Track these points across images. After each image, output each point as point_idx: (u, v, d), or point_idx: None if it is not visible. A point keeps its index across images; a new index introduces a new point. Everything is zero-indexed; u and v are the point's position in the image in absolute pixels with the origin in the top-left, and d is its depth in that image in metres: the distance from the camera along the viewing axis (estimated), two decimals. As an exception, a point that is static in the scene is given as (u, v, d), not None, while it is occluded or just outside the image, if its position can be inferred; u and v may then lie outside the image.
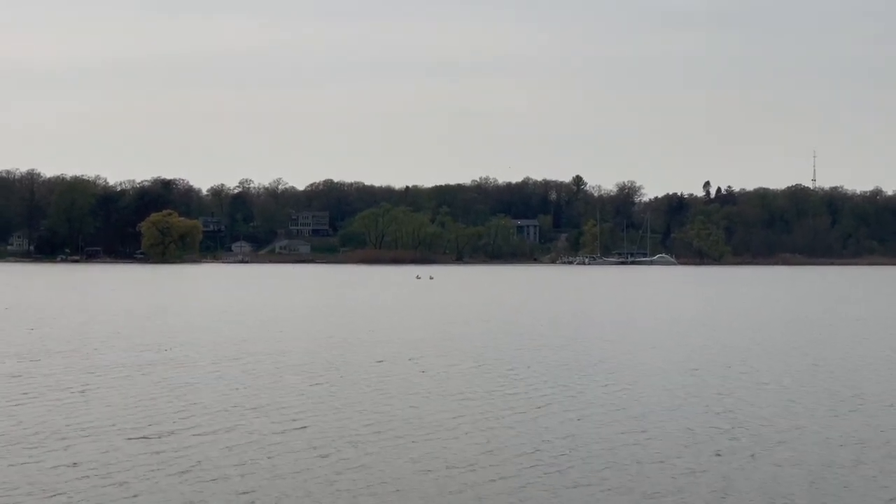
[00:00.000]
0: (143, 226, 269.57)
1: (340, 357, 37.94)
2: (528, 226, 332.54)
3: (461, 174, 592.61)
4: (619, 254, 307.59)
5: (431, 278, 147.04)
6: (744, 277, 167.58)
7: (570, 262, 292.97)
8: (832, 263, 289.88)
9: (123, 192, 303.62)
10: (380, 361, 36.48)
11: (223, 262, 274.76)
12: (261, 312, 65.78)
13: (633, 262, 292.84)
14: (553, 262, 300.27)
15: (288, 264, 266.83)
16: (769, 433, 22.79)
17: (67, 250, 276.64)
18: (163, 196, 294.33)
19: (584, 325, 56.16)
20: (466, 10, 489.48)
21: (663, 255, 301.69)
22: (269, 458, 19.87)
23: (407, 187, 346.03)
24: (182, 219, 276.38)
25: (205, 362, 35.78)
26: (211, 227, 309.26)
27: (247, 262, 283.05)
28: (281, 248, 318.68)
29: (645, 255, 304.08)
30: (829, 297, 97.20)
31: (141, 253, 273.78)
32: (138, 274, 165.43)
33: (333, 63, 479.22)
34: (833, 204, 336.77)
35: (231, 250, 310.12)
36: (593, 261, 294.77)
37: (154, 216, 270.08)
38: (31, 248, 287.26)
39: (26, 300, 79.97)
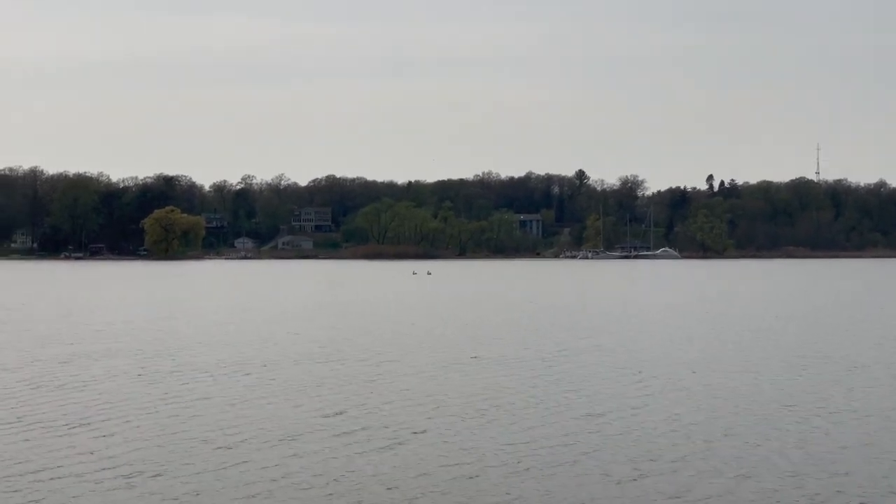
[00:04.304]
0: (147, 223, 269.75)
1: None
2: (530, 220, 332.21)
3: (464, 169, 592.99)
4: (623, 248, 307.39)
5: (429, 273, 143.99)
6: (751, 272, 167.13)
7: (574, 257, 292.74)
8: (836, 256, 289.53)
9: (126, 188, 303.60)
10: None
11: (226, 259, 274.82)
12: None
13: (636, 256, 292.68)
14: (556, 256, 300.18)
15: (290, 260, 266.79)
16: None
17: (71, 247, 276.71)
18: (165, 193, 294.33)
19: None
20: (468, 5, 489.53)
21: (667, 248, 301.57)
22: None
23: (409, 182, 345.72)
24: (185, 215, 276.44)
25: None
26: (214, 224, 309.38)
27: (250, 258, 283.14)
28: (284, 244, 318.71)
29: (648, 249, 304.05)
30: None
31: (144, 250, 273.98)
32: (151, 271, 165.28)
33: (335, 59, 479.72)
34: (836, 197, 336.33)
35: (234, 246, 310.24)
36: (596, 255, 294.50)
37: (157, 213, 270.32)
38: (35, 245, 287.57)
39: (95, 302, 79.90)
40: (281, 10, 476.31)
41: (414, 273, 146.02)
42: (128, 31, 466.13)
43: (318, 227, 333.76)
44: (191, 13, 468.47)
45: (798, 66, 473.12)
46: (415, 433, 22.41)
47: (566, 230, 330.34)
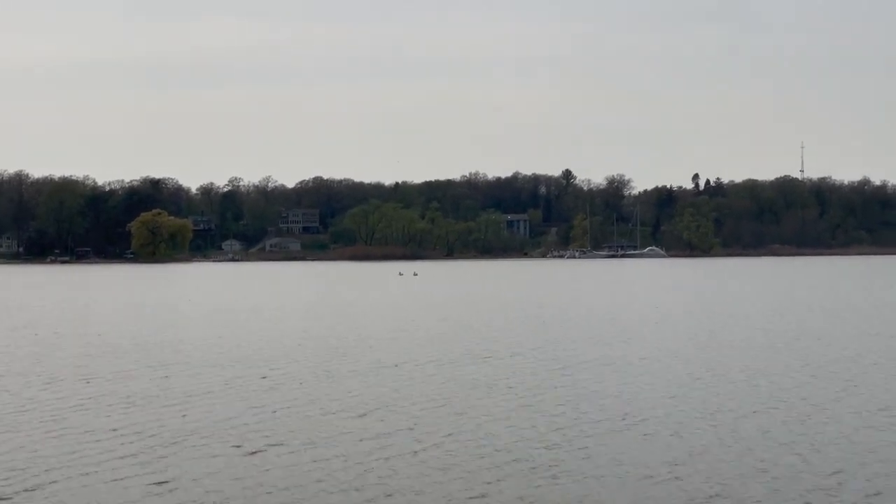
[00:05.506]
0: (133, 226, 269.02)
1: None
2: (518, 220, 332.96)
3: (450, 169, 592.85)
4: (610, 247, 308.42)
5: (415, 274, 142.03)
6: (740, 270, 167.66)
7: (561, 256, 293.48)
8: (821, 254, 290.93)
9: (112, 192, 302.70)
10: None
11: (214, 261, 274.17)
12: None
13: (623, 256, 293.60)
14: (543, 256, 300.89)
15: (278, 262, 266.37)
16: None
17: (57, 251, 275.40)
18: (152, 195, 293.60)
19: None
20: (455, 5, 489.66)
21: (653, 247, 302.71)
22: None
23: (396, 183, 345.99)
24: (172, 218, 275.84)
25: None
26: (201, 226, 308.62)
27: (237, 260, 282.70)
28: (271, 246, 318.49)
29: (635, 248, 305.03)
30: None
31: (131, 253, 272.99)
32: (140, 274, 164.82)
33: (321, 61, 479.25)
34: (821, 195, 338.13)
35: (221, 249, 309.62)
36: (584, 254, 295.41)
37: (143, 216, 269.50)
38: (21, 249, 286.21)
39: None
40: (268, 12, 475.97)
41: (400, 274, 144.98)
42: (113, 34, 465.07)
43: (305, 229, 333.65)
44: (177, 15, 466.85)
45: (782, 65, 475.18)
46: (444, 435, 22.53)
47: (553, 230, 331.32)
